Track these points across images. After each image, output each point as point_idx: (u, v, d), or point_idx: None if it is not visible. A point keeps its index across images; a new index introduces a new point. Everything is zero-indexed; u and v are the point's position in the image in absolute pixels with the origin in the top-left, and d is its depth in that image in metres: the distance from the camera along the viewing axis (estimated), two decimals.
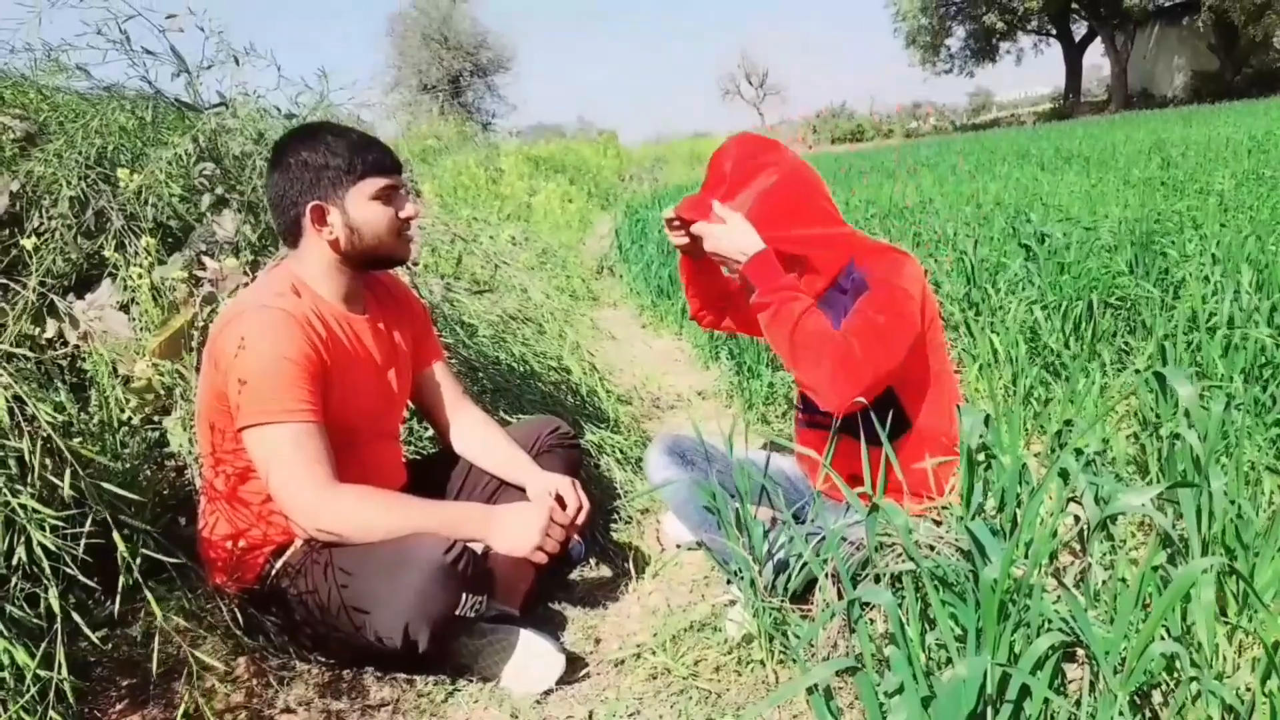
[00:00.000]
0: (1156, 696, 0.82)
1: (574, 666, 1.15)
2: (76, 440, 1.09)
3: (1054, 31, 23.33)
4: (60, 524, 0.87)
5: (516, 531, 1.07)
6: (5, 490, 0.86)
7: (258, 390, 0.99)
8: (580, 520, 1.17)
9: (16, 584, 0.88)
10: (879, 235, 3.33)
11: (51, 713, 0.85)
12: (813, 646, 0.96)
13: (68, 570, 0.87)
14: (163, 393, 1.25)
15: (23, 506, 0.86)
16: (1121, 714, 0.71)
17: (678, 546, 1.47)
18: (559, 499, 1.17)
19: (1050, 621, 0.76)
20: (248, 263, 1.40)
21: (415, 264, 1.75)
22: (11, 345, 1.09)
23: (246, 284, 1.26)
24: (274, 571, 1.07)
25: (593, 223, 6.86)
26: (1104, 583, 0.89)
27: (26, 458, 0.89)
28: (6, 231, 1.41)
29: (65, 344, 1.25)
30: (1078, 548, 1.03)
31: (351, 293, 1.13)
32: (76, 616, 0.88)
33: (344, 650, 1.08)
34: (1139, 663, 0.71)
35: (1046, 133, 11.46)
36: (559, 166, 8.72)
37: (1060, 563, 1.05)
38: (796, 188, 1.12)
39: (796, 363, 1.05)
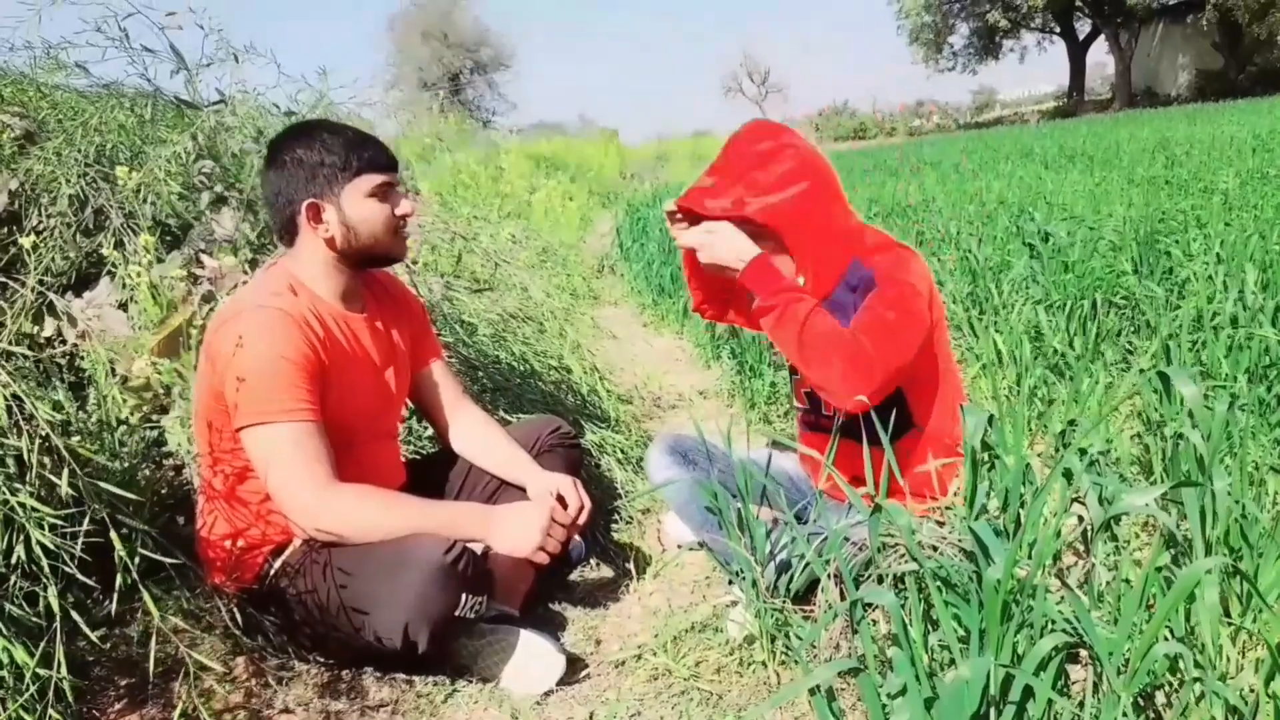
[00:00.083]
0: (1160, 697, 0.81)
1: (574, 667, 1.14)
2: (75, 439, 1.09)
3: (1058, 29, 23.27)
4: (59, 523, 0.87)
5: (517, 532, 1.06)
6: (4, 489, 0.86)
7: (256, 390, 0.98)
8: (582, 520, 1.16)
9: (15, 582, 0.88)
10: None
11: (51, 711, 0.84)
12: (815, 647, 0.96)
13: (66, 569, 0.87)
14: (161, 391, 1.25)
15: (21, 505, 0.86)
16: (1125, 715, 0.71)
17: (679, 547, 1.47)
18: (560, 499, 1.16)
19: (1054, 622, 0.76)
20: (246, 261, 1.40)
21: (415, 262, 1.75)
22: (10, 344, 1.09)
23: (245, 282, 1.26)
24: (273, 571, 1.06)
25: (593, 221, 6.85)
26: (1107, 583, 0.88)
27: (25, 456, 0.89)
28: (5, 229, 1.41)
29: (63, 342, 1.24)
30: (1081, 548, 1.02)
31: (349, 291, 1.12)
32: (75, 615, 0.87)
33: (343, 650, 1.08)
34: (1142, 663, 0.71)
35: (1050, 131, 11.43)
36: (560, 164, 8.72)
37: (1064, 563, 1.04)
38: (810, 176, 1.10)
39: (806, 364, 1.03)
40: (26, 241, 1.34)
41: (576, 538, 1.18)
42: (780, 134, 1.12)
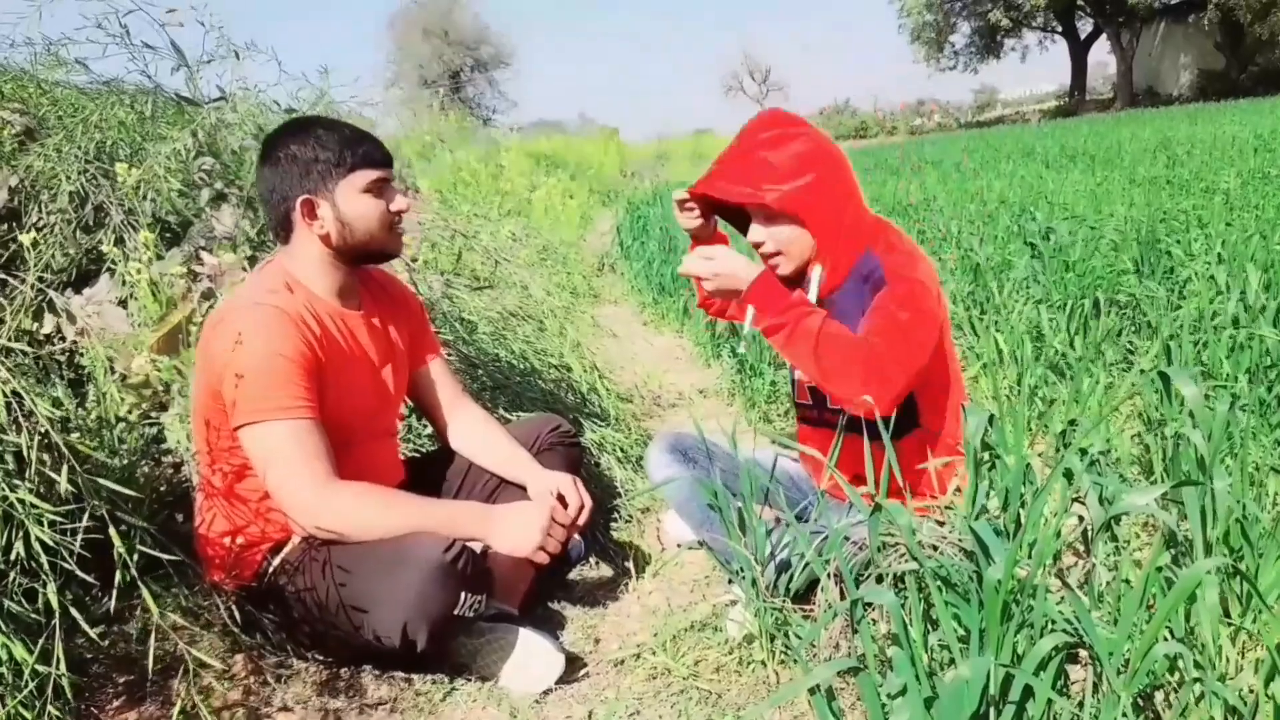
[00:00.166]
0: (1160, 698, 0.81)
1: (573, 666, 1.14)
2: (74, 436, 1.09)
3: (1059, 29, 23.24)
4: (59, 519, 0.87)
5: (518, 531, 1.06)
6: (3, 485, 0.86)
7: (253, 388, 0.98)
8: (582, 520, 1.16)
9: (15, 579, 0.88)
10: None
11: (50, 708, 0.85)
12: (814, 647, 0.96)
13: (65, 566, 0.87)
14: (160, 388, 1.25)
15: (21, 501, 0.86)
16: (1125, 715, 0.71)
17: (678, 546, 1.47)
18: (560, 498, 1.16)
19: (1054, 622, 0.76)
20: (246, 258, 1.39)
21: (415, 260, 1.75)
22: (9, 340, 1.09)
23: (245, 279, 1.26)
24: (271, 569, 1.06)
25: (594, 219, 6.85)
26: (1108, 583, 0.88)
27: (24, 453, 0.89)
28: (5, 226, 1.41)
29: (63, 339, 1.24)
30: (1081, 548, 1.02)
31: (345, 288, 1.12)
32: (74, 612, 0.87)
33: (342, 648, 1.08)
34: (1142, 664, 0.71)
35: (1051, 130, 11.42)
36: (560, 163, 8.71)
37: (1064, 563, 1.04)
38: (825, 161, 1.10)
39: (826, 378, 1.02)
40: (26, 238, 1.34)
41: (576, 536, 1.18)
42: (794, 122, 1.12)
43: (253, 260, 1.40)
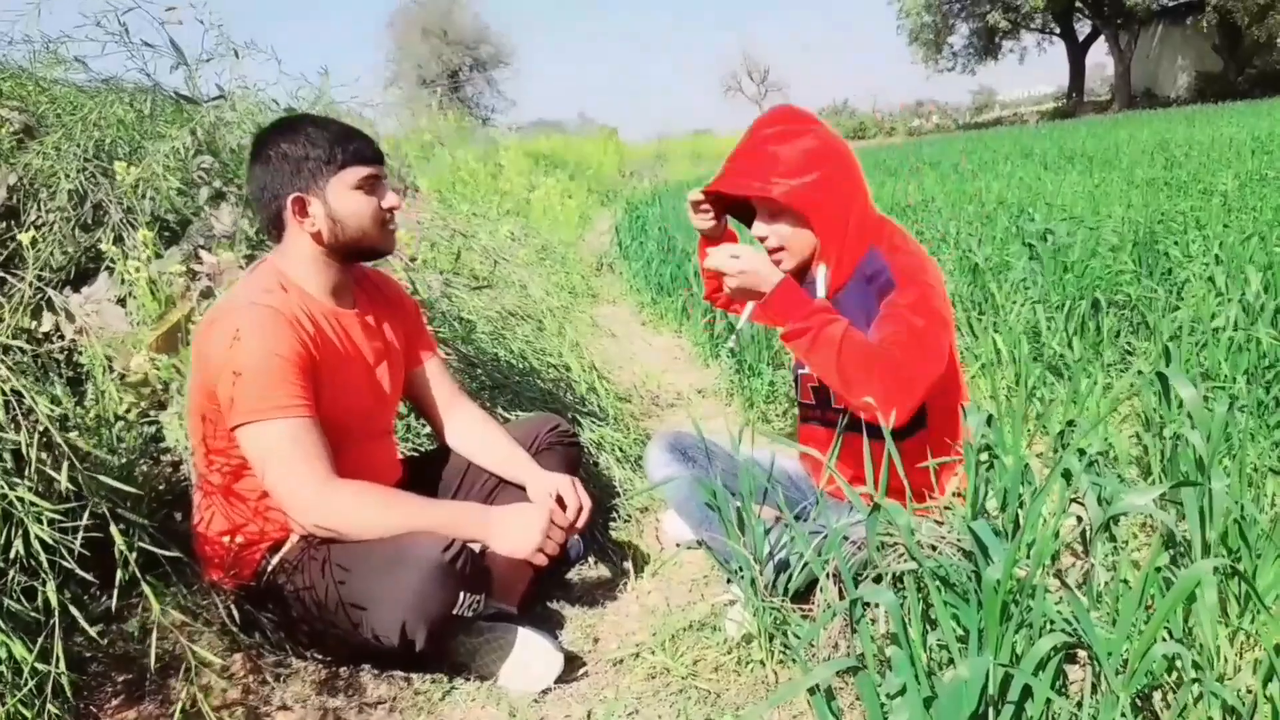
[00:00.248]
0: (1158, 698, 0.81)
1: (572, 665, 1.14)
2: (73, 434, 1.08)
3: (1057, 30, 23.28)
4: (58, 518, 0.87)
5: (517, 533, 1.06)
6: (2, 483, 0.86)
7: (250, 388, 0.98)
8: (581, 522, 1.16)
9: (14, 577, 0.88)
10: None
11: (49, 706, 0.84)
12: (813, 646, 0.96)
13: (65, 564, 0.86)
14: (159, 387, 1.25)
15: (20, 499, 0.86)
16: (1123, 715, 0.71)
17: (677, 545, 1.47)
18: (559, 499, 1.16)
19: (1052, 622, 0.76)
20: (244, 256, 1.39)
21: (414, 259, 1.75)
22: (8, 339, 1.09)
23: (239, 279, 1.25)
24: (270, 568, 1.06)
25: (592, 219, 6.85)
26: (1106, 584, 0.88)
27: (24, 451, 0.89)
28: (3, 224, 1.40)
29: (62, 338, 1.24)
30: (1080, 548, 1.03)
31: (339, 287, 1.12)
32: (74, 611, 0.87)
33: (341, 648, 1.08)
34: (1141, 664, 0.71)
35: (1050, 132, 11.44)
36: (559, 162, 8.71)
37: (1062, 563, 1.04)
38: (833, 157, 1.10)
39: (847, 386, 1.01)
40: (25, 236, 1.33)
41: (575, 536, 1.18)
42: (804, 118, 1.12)
43: (251, 259, 1.40)
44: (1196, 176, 4.39)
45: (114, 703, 1.01)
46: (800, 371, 1.26)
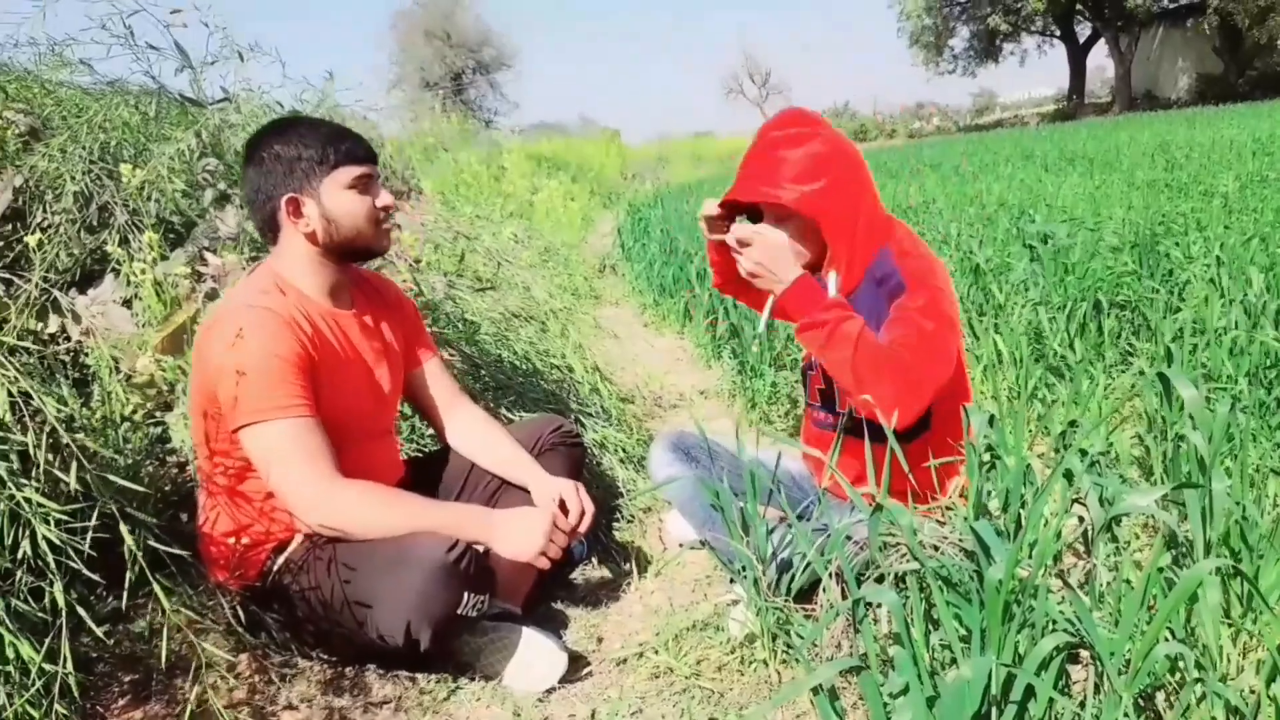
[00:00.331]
0: (1161, 698, 0.82)
1: (576, 665, 1.14)
2: (79, 436, 1.09)
3: (1058, 33, 23.29)
4: (65, 518, 0.87)
5: (520, 537, 1.07)
6: (10, 484, 0.86)
7: (251, 389, 0.98)
8: (583, 527, 1.17)
9: (21, 578, 0.88)
10: None
11: (56, 706, 0.85)
12: (816, 646, 0.96)
13: (71, 565, 0.87)
14: (165, 388, 1.25)
15: (27, 500, 0.86)
16: (1126, 715, 0.71)
17: (680, 545, 1.47)
18: (562, 504, 1.17)
19: (1055, 622, 0.76)
20: (249, 258, 1.40)
21: (418, 261, 1.75)
22: (15, 340, 1.09)
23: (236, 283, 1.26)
24: (275, 568, 1.06)
25: (595, 221, 6.86)
26: (1108, 584, 0.89)
27: (31, 452, 0.89)
28: (10, 226, 1.41)
29: (68, 339, 1.25)
30: (1082, 549, 1.03)
31: (336, 287, 1.12)
32: (81, 611, 0.88)
33: (346, 647, 1.08)
34: (1144, 664, 0.71)
35: (1050, 134, 11.44)
36: (562, 165, 8.72)
37: (1064, 564, 1.05)
38: (841, 162, 1.09)
39: (859, 383, 1.01)
40: (32, 239, 1.34)
41: (590, 506, 1.19)
42: (812, 121, 1.12)
43: (256, 260, 1.40)
44: (1197, 178, 4.39)
45: (120, 703, 1.01)
46: (810, 372, 1.26)
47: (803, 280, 1.07)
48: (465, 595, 1.01)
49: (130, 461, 1.20)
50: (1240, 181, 3.98)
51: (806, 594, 1.14)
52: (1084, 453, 1.00)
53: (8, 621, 0.85)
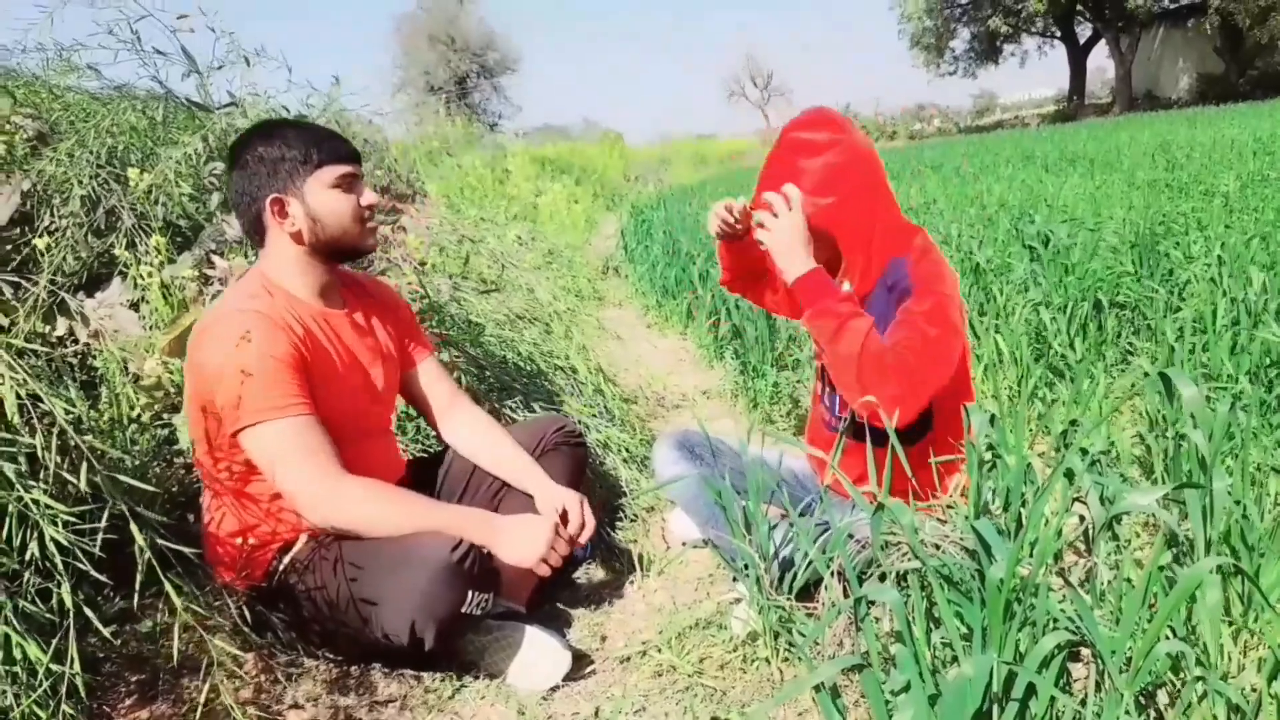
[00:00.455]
0: (1162, 696, 0.82)
1: (580, 663, 1.15)
2: (86, 438, 1.10)
3: (1058, 34, 23.28)
4: (73, 519, 0.88)
5: (522, 544, 1.07)
6: (18, 486, 0.87)
7: (248, 391, 0.99)
8: (582, 539, 1.17)
9: (29, 579, 0.89)
10: None
11: (64, 706, 0.85)
12: (818, 644, 0.96)
13: (79, 565, 0.88)
14: (172, 390, 1.26)
15: (35, 502, 0.87)
16: (1127, 713, 0.72)
17: (683, 544, 1.48)
18: (564, 514, 1.17)
19: (1056, 620, 0.77)
20: (255, 262, 1.41)
21: (423, 263, 1.76)
22: (23, 342, 1.10)
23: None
24: (281, 568, 1.07)
25: (598, 223, 6.87)
26: (1109, 582, 0.89)
27: (39, 454, 0.90)
28: (18, 230, 1.42)
29: (76, 341, 1.26)
30: (1082, 547, 1.03)
31: (325, 288, 1.12)
32: (89, 612, 0.88)
33: (352, 647, 1.09)
34: (1145, 662, 0.72)
35: (1051, 135, 11.44)
36: (565, 167, 8.74)
37: (1065, 562, 1.05)
38: (858, 172, 1.09)
39: (862, 381, 1.02)
40: (40, 242, 1.35)
41: (592, 519, 1.19)
42: (833, 126, 1.10)
43: None
44: (1198, 178, 4.38)
45: (127, 703, 1.02)
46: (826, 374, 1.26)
47: (818, 270, 1.08)
48: (469, 594, 1.02)
49: (138, 463, 1.21)
50: (1241, 181, 3.98)
51: (808, 592, 1.15)
52: (1085, 452, 1.00)
53: (15, 623, 0.85)
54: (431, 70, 24.37)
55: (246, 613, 1.06)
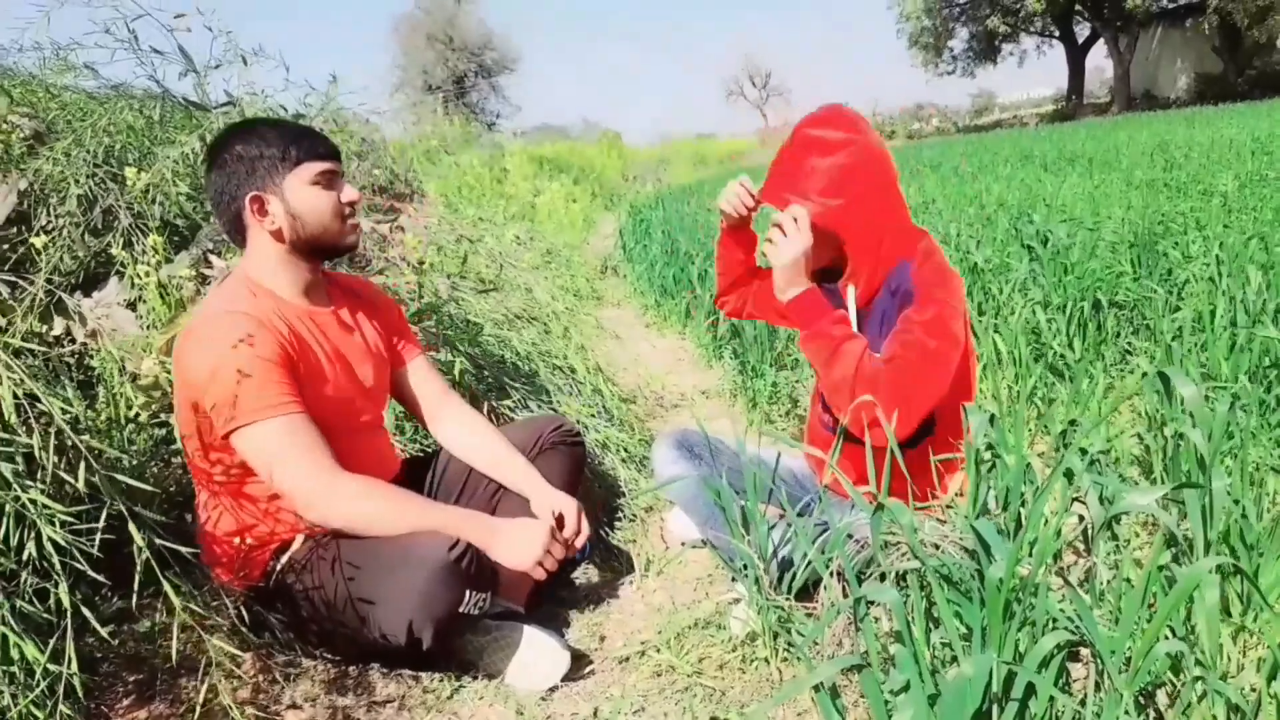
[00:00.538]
0: (1161, 696, 0.82)
1: (579, 664, 1.15)
2: (83, 437, 1.09)
3: (1057, 33, 23.31)
4: (70, 519, 0.88)
5: (519, 547, 1.07)
6: (15, 485, 0.87)
7: (239, 393, 0.98)
8: (577, 544, 1.17)
9: (26, 579, 0.89)
10: None
11: (61, 707, 0.85)
12: (818, 644, 0.96)
13: (76, 565, 0.87)
14: (169, 390, 1.26)
15: (33, 502, 0.87)
16: (1127, 713, 0.72)
17: (682, 544, 1.48)
18: (560, 519, 1.17)
19: (1055, 620, 0.77)
20: None
21: (421, 263, 1.76)
22: (20, 342, 1.10)
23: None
24: (279, 568, 1.07)
25: (596, 223, 6.87)
26: (1108, 582, 0.89)
27: (37, 454, 0.90)
28: (15, 229, 1.42)
29: (73, 341, 1.25)
30: (1081, 547, 1.03)
31: (310, 286, 1.12)
32: (86, 611, 0.88)
33: (350, 647, 1.09)
34: (1144, 662, 0.72)
35: (1049, 134, 11.44)
36: (563, 167, 8.74)
37: (1065, 562, 1.05)
38: (868, 173, 1.09)
39: (854, 401, 1.03)
40: (37, 241, 1.35)
41: (588, 529, 1.20)
42: (847, 125, 1.09)
43: None
44: (1196, 178, 4.39)
45: (125, 703, 1.01)
46: None
47: (811, 291, 1.08)
48: (467, 594, 1.01)
49: (136, 462, 1.21)
50: (1239, 181, 3.98)
51: (808, 592, 1.15)
52: (1084, 451, 1.00)
53: (13, 623, 0.85)
54: (430, 70, 24.37)
55: (244, 613, 1.05)
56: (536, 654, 1.11)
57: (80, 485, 0.88)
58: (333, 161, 1.09)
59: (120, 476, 0.91)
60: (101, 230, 1.47)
